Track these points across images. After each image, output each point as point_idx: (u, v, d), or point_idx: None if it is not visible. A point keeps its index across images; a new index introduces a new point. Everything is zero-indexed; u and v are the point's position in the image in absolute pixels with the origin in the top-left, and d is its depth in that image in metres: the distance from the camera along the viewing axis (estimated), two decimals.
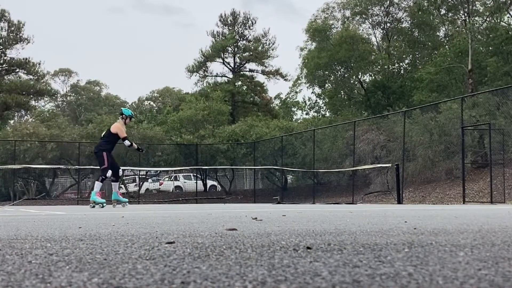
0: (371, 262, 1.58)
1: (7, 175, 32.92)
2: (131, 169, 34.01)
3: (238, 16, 52.25)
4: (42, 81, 50.26)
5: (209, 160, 33.97)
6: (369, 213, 6.61)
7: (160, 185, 40.56)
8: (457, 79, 32.62)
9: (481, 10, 34.33)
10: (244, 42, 51.87)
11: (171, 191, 39.14)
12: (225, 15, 52.26)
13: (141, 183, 34.83)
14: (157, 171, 35.12)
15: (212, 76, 52.57)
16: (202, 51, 50.96)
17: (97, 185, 14.03)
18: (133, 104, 75.31)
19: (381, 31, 42.50)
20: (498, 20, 33.89)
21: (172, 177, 42.42)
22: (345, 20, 42.30)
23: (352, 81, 42.06)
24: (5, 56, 47.51)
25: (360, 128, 26.98)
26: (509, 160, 20.76)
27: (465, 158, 20.12)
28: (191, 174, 38.72)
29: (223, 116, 39.63)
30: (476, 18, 33.88)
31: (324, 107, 46.82)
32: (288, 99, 57.59)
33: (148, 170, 33.83)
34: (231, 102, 46.74)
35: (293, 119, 53.13)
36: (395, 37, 41.75)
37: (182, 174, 40.87)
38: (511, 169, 20.22)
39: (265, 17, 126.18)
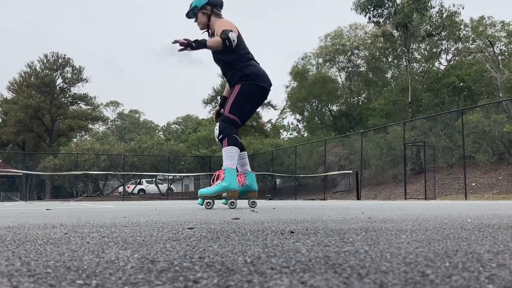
0: (338, 243, 1.58)
1: (72, 179, 32.93)
2: (162, 174, 33.97)
3: None
4: (97, 110, 50.36)
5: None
6: (336, 207, 6.61)
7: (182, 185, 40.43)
8: (400, 109, 32.75)
9: (418, 58, 34.57)
10: None
11: (192, 190, 39.05)
12: None
13: (169, 184, 34.76)
14: (181, 175, 35.08)
15: None
16: (214, 88, 51.24)
17: None
18: (163, 127, 75.09)
19: (345, 74, 42.73)
20: (431, 66, 34.11)
21: (192, 179, 42.36)
22: (319, 65, 42.53)
23: (323, 110, 42.20)
24: (70, 92, 47.71)
25: (329, 144, 27.01)
26: (438, 168, 20.78)
27: (406, 166, 20.16)
28: (206, 178, 38.64)
29: None
30: (415, 64, 34.08)
31: (303, 129, 46.93)
32: (277, 123, 57.61)
33: (174, 175, 33.78)
34: None
35: (281, 138, 53.11)
36: (355, 77, 41.96)
37: (200, 178, 40.75)
38: (439, 174, 20.24)
39: None
